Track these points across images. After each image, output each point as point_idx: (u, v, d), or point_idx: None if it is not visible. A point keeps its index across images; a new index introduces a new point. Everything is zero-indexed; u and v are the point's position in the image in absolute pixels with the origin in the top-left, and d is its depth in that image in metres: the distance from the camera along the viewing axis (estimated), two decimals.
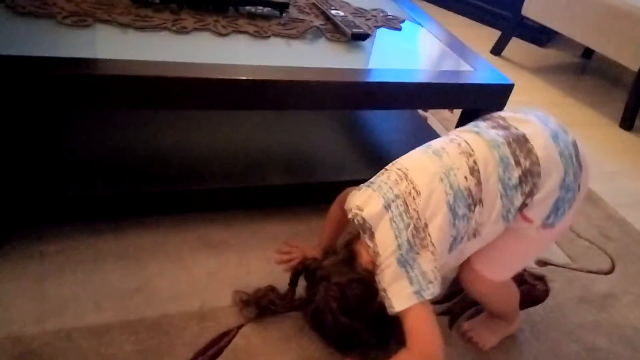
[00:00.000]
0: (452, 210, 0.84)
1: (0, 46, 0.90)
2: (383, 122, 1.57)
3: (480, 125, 0.93)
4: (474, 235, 0.88)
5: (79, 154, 1.19)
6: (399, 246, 0.83)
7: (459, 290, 1.18)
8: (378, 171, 0.95)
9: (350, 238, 0.95)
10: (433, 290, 0.83)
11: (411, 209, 0.84)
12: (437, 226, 0.84)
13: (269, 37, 1.17)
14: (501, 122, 0.91)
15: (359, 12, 1.43)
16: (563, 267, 1.33)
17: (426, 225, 0.84)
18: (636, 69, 2.14)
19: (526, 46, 2.82)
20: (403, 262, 0.83)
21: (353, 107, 1.26)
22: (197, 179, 1.19)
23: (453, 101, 1.24)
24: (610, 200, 1.67)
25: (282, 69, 1.07)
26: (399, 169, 0.90)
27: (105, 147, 1.22)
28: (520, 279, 1.24)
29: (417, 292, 0.82)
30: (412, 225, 0.83)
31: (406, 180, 0.87)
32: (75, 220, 1.14)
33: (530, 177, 0.84)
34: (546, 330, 1.13)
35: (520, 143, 0.85)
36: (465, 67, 1.28)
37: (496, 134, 0.88)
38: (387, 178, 0.89)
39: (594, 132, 2.13)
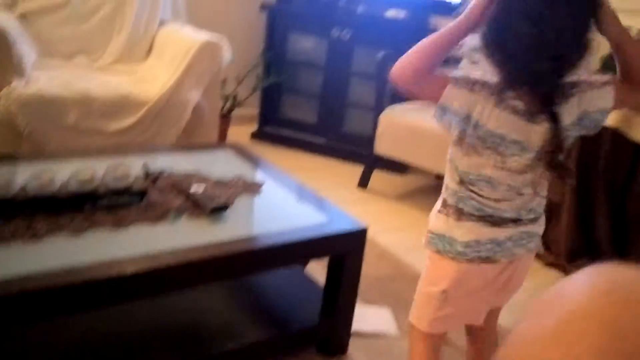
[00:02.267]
0: None
1: None
2: (260, 277, 1.61)
3: None
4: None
5: None
6: None
7: None
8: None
9: None
10: None
11: None
12: None
13: (128, 225, 1.21)
14: None
15: (219, 183, 1.52)
16: None
17: None
18: None
19: (389, 175, 3.10)
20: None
21: (219, 278, 1.30)
22: None
23: (314, 253, 1.32)
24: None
25: (141, 258, 1.09)
26: None
27: None
28: None
29: None
30: None
31: None
32: None
33: None
34: None
35: None
36: (322, 219, 1.39)
37: None
38: None
39: None
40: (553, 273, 2.16)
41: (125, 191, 1.31)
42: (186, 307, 1.42)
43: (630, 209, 2.11)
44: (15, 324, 0.97)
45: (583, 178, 2.16)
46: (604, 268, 0.33)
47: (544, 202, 1.00)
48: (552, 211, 2.26)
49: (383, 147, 2.69)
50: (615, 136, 2.05)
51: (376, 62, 2.71)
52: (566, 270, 2.12)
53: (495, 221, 0.95)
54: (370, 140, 2.78)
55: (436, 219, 1.00)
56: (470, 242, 0.95)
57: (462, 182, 0.96)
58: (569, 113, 0.90)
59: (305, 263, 1.86)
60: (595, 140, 2.08)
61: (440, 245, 0.98)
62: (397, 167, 3.09)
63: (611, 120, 1.99)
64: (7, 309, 0.94)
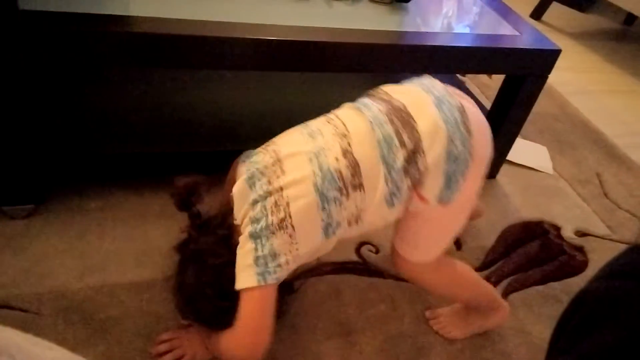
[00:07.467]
0: (321, 192, 0.78)
1: (60, 2, 0.90)
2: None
3: (363, 101, 0.86)
4: (356, 222, 0.82)
5: (116, 113, 1.19)
6: (255, 219, 0.77)
7: (495, 259, 1.17)
8: None
9: (227, 211, 0.85)
10: (280, 275, 0.77)
11: (274, 186, 0.78)
12: (301, 208, 0.77)
13: None
14: (383, 96, 0.85)
15: None
16: (602, 237, 1.30)
17: (288, 205, 0.77)
18: None
19: (566, 11, 2.71)
20: (255, 237, 0.77)
21: (391, 70, 1.22)
22: (232, 139, 1.18)
23: (496, 66, 1.20)
24: None
25: (320, 30, 1.04)
26: (273, 150, 0.83)
27: (140, 106, 1.22)
28: (559, 249, 1.22)
29: (261, 274, 0.76)
30: (272, 202, 0.77)
31: (278, 162, 0.80)
32: (116, 179, 1.15)
33: (415, 156, 0.78)
34: None
35: (403, 120, 0.79)
36: (510, 31, 1.23)
37: (378, 111, 0.81)
38: (261, 158, 0.83)
39: (634, 100, 2.06)
40: None
41: None
42: (336, 93, 1.39)
43: None
44: (189, 66, 0.98)
45: None
46: None
47: None
48: None
49: None
50: None
51: None
52: None
53: None
54: None
55: None
56: None
57: None
58: None
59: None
60: None
61: None
62: (578, 2, 2.69)
63: None
64: (182, 50, 0.95)
